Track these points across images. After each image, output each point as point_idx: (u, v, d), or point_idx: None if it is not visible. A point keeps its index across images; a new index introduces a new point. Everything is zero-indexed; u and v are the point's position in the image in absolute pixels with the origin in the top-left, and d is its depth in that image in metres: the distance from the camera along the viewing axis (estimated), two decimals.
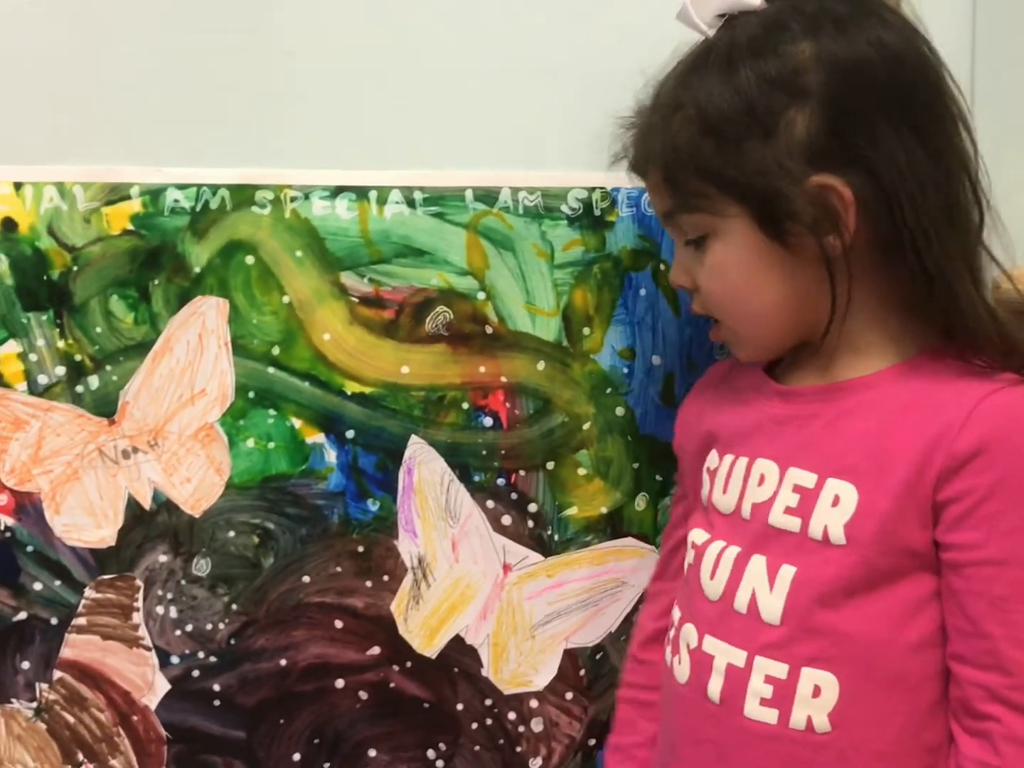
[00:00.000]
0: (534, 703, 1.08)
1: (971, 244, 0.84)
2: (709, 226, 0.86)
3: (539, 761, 1.09)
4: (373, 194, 1.03)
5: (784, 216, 0.82)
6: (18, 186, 1.00)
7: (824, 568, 0.82)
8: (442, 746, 1.07)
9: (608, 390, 1.07)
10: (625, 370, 1.07)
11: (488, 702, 1.08)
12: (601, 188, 1.05)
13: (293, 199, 1.03)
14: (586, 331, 1.06)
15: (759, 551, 0.86)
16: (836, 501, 0.83)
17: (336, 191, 1.03)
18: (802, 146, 0.81)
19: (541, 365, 1.06)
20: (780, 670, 0.83)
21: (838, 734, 0.82)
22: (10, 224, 1.00)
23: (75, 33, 1.00)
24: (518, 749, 1.08)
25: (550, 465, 1.07)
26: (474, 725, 1.08)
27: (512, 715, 1.08)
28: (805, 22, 0.83)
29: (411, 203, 1.04)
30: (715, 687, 0.86)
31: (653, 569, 1.05)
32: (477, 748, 1.08)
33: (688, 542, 0.94)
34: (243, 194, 1.02)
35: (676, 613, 0.93)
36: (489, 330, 1.05)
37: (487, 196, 1.04)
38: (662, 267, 1.06)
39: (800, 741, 0.82)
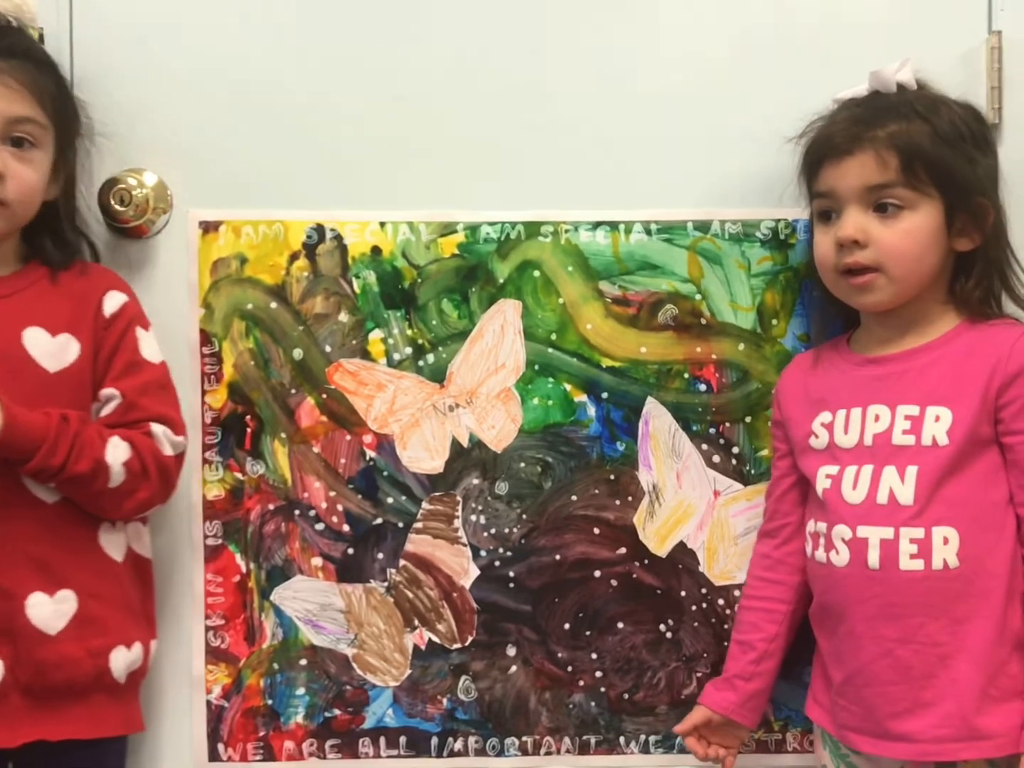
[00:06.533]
0: (737, 592, 1.47)
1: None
2: (911, 201, 1.27)
3: None
4: (622, 226, 1.48)
5: (963, 209, 1.28)
6: (383, 224, 1.48)
7: (937, 462, 1.24)
8: (670, 622, 1.48)
9: None
10: (803, 348, 1.47)
11: (704, 591, 1.48)
12: (784, 219, 1.47)
13: (566, 231, 1.48)
14: (774, 322, 1.48)
15: (888, 463, 1.27)
16: (937, 419, 1.25)
17: (596, 225, 1.48)
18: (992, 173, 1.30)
19: (741, 346, 1.48)
20: (919, 533, 1.24)
21: (964, 567, 1.23)
22: (377, 250, 1.48)
23: (421, 121, 1.48)
24: (726, 626, 1.47)
25: (748, 419, 1.48)
26: (693, 607, 1.48)
27: (721, 601, 1.48)
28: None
29: (648, 232, 1.48)
30: (874, 557, 1.25)
31: (765, 515, 1.42)
32: (696, 624, 1.48)
33: (818, 477, 1.32)
34: (533, 228, 1.48)
35: (819, 526, 1.31)
36: (703, 321, 1.48)
37: (703, 226, 1.48)
38: None
39: (941, 577, 1.23)
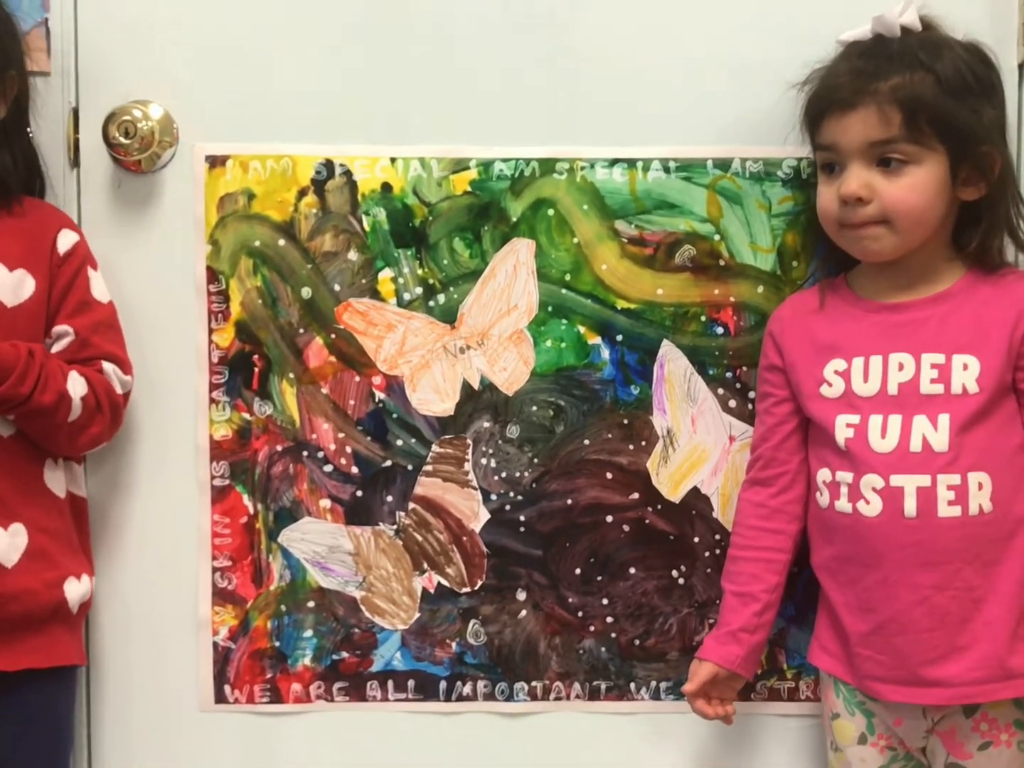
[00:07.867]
0: None
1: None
2: (916, 155, 1.24)
3: None
4: (640, 163, 1.43)
5: (968, 160, 1.25)
6: (393, 160, 1.44)
7: (968, 409, 1.24)
8: (683, 568, 1.46)
9: None
10: None
11: (717, 536, 1.46)
12: (807, 158, 1.41)
13: (582, 168, 1.44)
14: (794, 263, 1.44)
15: (918, 412, 1.26)
16: (965, 367, 1.24)
17: (613, 162, 1.44)
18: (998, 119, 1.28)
19: (760, 288, 1.44)
20: (956, 479, 1.23)
21: (996, 511, 1.24)
22: (387, 187, 1.44)
23: (433, 54, 1.44)
24: None
25: None
26: (706, 554, 1.46)
27: None
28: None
29: (667, 170, 1.44)
30: (911, 506, 1.24)
31: (757, 463, 1.37)
32: (708, 571, 1.46)
33: (837, 426, 1.28)
34: (547, 165, 1.44)
35: (843, 476, 1.28)
36: (722, 263, 1.44)
37: (723, 164, 1.43)
38: None
39: (977, 522, 1.24)
